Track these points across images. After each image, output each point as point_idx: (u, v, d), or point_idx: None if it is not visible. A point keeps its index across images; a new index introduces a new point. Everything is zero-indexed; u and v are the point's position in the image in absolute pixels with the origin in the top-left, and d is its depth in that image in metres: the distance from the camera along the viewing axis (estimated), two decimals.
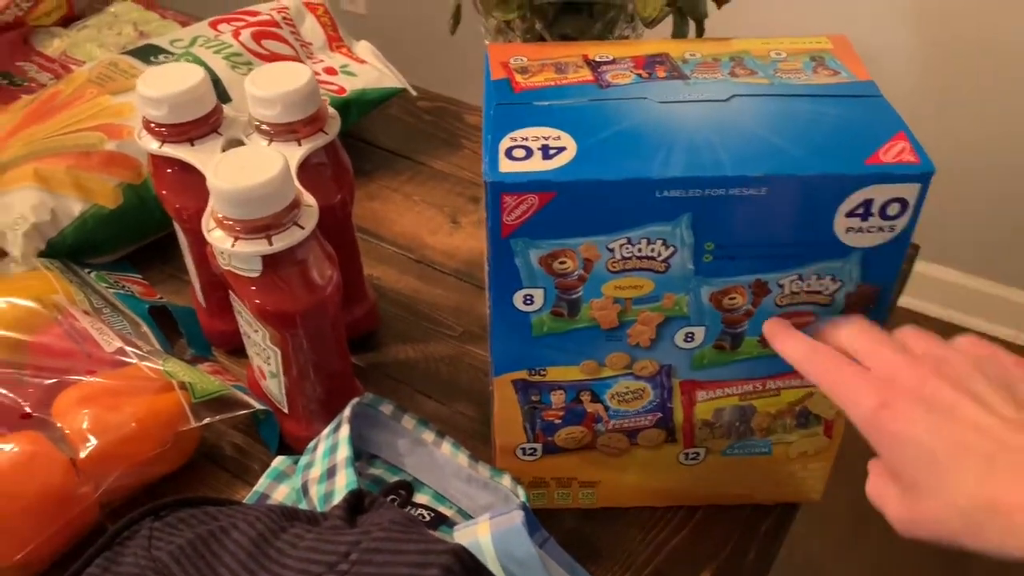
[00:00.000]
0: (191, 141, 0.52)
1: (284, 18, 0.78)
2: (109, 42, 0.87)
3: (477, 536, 0.41)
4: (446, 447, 0.51)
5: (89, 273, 0.64)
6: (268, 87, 0.51)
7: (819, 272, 0.42)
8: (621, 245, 0.41)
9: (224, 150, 0.52)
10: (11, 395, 0.49)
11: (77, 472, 0.47)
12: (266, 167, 0.45)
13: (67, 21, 0.95)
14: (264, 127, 0.52)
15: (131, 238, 0.68)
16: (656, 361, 0.45)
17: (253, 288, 0.47)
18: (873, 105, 0.42)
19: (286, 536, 0.38)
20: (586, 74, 0.43)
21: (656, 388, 0.47)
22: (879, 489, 0.36)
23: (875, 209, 0.39)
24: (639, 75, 0.43)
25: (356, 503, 0.41)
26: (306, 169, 0.52)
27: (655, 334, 0.44)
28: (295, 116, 0.51)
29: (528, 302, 0.43)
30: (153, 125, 0.52)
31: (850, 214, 0.39)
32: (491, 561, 0.40)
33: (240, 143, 0.53)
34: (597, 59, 0.44)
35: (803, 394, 0.47)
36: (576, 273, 0.42)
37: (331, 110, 0.54)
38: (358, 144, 0.80)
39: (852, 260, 0.41)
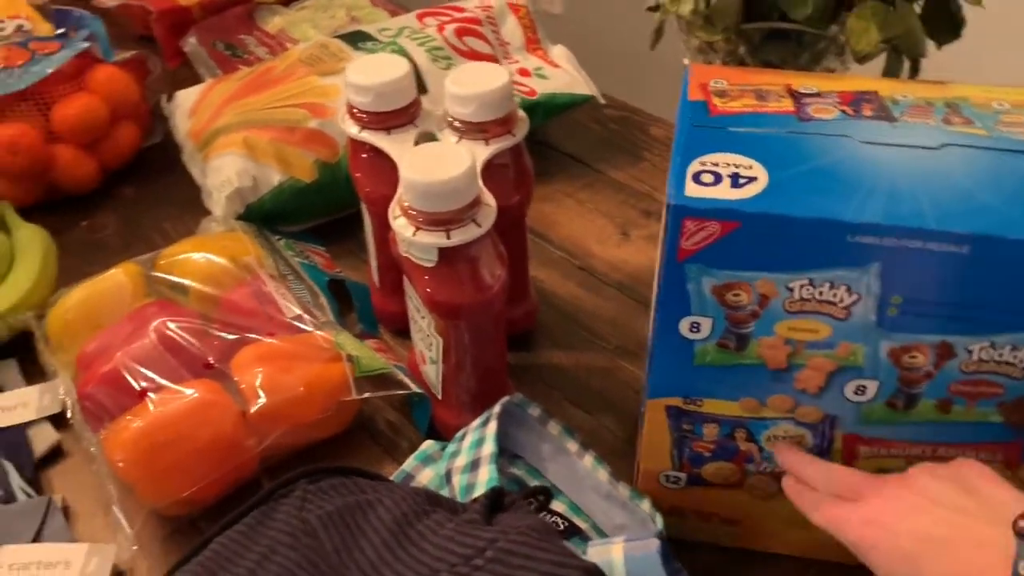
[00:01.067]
0: (388, 130, 0.55)
1: (488, 17, 0.80)
2: (323, 24, 0.92)
3: (611, 555, 0.40)
4: (588, 460, 0.51)
5: (279, 240, 0.68)
6: (466, 86, 0.52)
7: (1015, 343, 0.39)
8: (802, 286, 0.39)
9: (417, 142, 0.54)
10: (198, 344, 0.53)
11: (246, 424, 0.51)
12: (454, 164, 0.46)
13: (288, 0, 1.01)
14: (456, 124, 0.54)
15: (321, 212, 0.72)
16: (821, 409, 0.44)
17: (426, 277, 0.49)
18: None
19: (428, 521, 0.40)
20: (788, 104, 0.42)
21: (816, 437, 0.45)
22: None
23: None
24: (844, 111, 0.42)
25: (496, 501, 0.41)
26: (489, 168, 0.54)
27: (824, 382, 0.43)
28: (487, 116, 0.53)
29: (695, 330, 0.42)
30: (356, 110, 0.55)
31: None
32: None
33: (432, 137, 0.55)
34: (801, 90, 0.43)
35: None
36: (750, 308, 0.41)
37: (521, 113, 0.56)
38: (539, 146, 0.81)
39: None
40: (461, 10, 0.81)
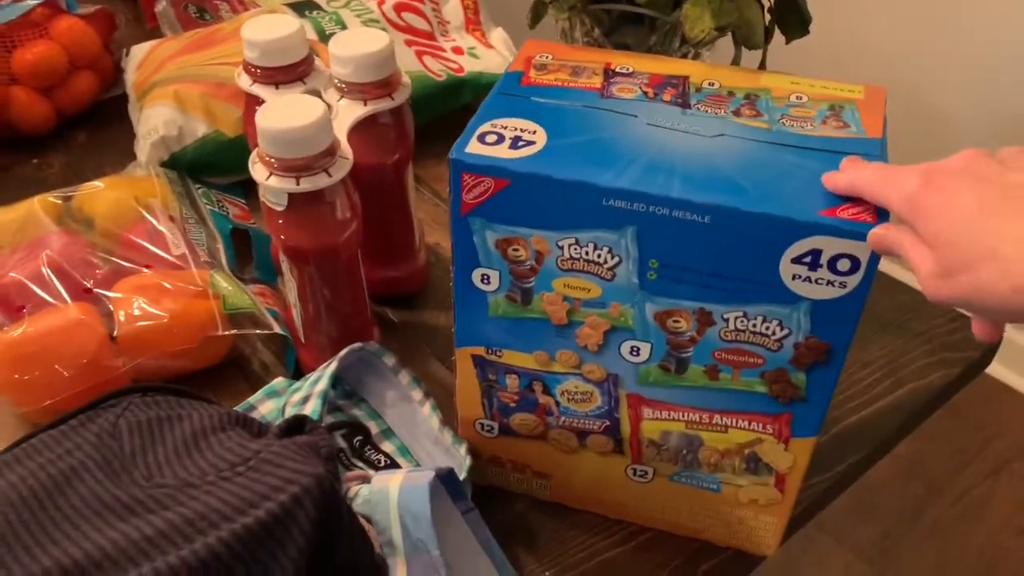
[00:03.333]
0: (276, 85, 0.58)
1: None
2: None
3: (388, 484, 0.43)
4: (427, 407, 0.54)
5: (198, 188, 0.72)
6: (346, 48, 0.56)
7: (765, 315, 0.41)
8: (570, 244, 0.42)
9: None
10: (82, 272, 0.57)
11: (112, 346, 0.55)
12: (307, 114, 0.50)
13: None
14: (338, 83, 0.57)
15: (242, 166, 0.75)
16: (603, 367, 0.46)
17: (279, 221, 0.52)
18: None
19: (221, 435, 0.43)
20: (596, 82, 0.45)
21: (604, 395, 0.48)
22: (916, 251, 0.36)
23: (823, 261, 0.38)
24: (645, 93, 0.44)
25: (296, 426, 0.45)
26: (368, 126, 0.57)
27: (602, 340, 0.45)
28: (365, 78, 0.56)
29: (485, 281, 0.45)
30: (249, 65, 0.58)
31: (797, 261, 0.39)
32: (392, 507, 0.43)
33: (318, 95, 0.58)
34: (616, 69, 0.45)
35: (752, 437, 0.46)
36: (528, 263, 0.43)
37: (405, 79, 0.59)
38: (466, 119, 0.84)
39: (800, 309, 0.40)
40: None
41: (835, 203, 0.38)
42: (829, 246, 0.38)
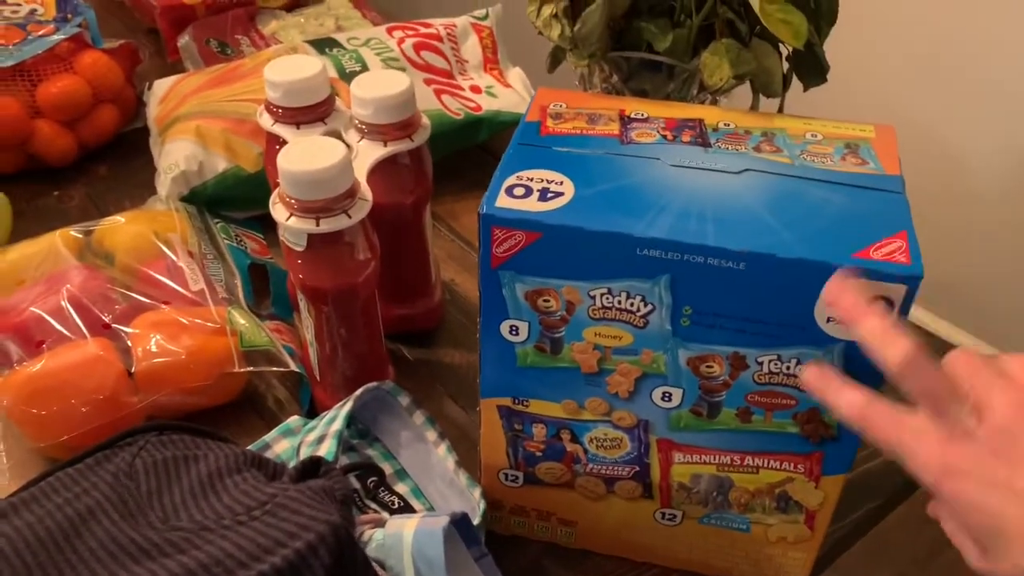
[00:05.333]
0: (298, 125, 0.59)
1: (449, 34, 0.84)
2: (310, 31, 0.98)
3: (403, 529, 0.43)
4: (442, 448, 0.54)
5: (216, 223, 0.73)
6: (368, 90, 0.56)
7: (799, 357, 0.41)
8: (602, 294, 0.42)
9: None
10: (101, 307, 0.58)
11: (129, 382, 0.55)
12: (328, 157, 0.50)
13: (292, 6, 1.07)
14: (359, 124, 0.58)
15: (261, 201, 0.76)
16: (634, 414, 0.46)
17: (298, 261, 0.52)
18: (886, 200, 0.41)
19: (237, 477, 0.43)
20: (614, 128, 0.45)
21: (634, 441, 0.48)
22: (958, 539, 0.38)
23: None
24: (664, 136, 0.44)
25: (311, 468, 0.45)
26: (388, 167, 0.57)
27: (633, 387, 0.45)
28: (385, 120, 0.57)
29: (514, 332, 0.45)
30: (271, 105, 0.59)
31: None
32: (406, 552, 0.42)
33: (338, 135, 0.59)
34: (632, 115, 0.46)
35: (783, 477, 0.46)
36: (559, 313, 0.44)
37: (424, 120, 0.59)
38: (486, 156, 0.85)
39: (834, 352, 0.40)
40: (428, 26, 0.85)
41: (869, 241, 0.38)
42: (863, 289, 0.38)
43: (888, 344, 0.36)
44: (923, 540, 0.58)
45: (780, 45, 0.51)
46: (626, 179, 0.42)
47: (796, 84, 0.54)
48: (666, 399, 0.45)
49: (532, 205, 0.41)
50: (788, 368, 0.42)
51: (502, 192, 0.42)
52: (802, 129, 0.45)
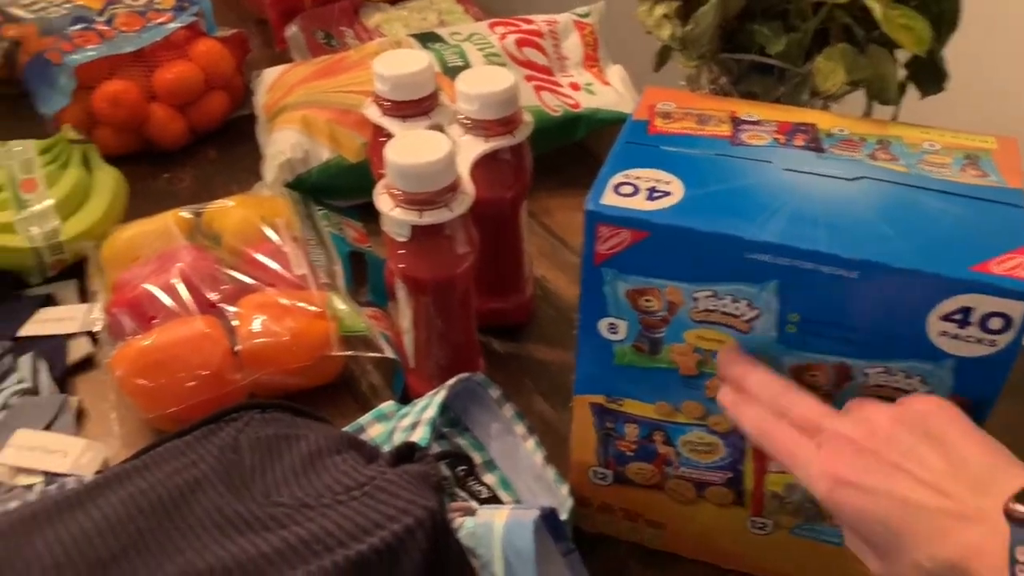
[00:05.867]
0: (404, 118, 0.60)
1: (551, 31, 0.84)
2: (413, 24, 0.99)
3: (494, 518, 0.44)
4: (531, 443, 0.54)
5: (319, 210, 0.75)
6: (473, 87, 0.57)
7: (908, 370, 0.40)
8: (706, 296, 0.42)
9: None
10: (209, 286, 0.60)
11: (234, 360, 0.57)
12: (434, 151, 0.51)
13: (396, 0, 1.09)
14: (462, 119, 0.58)
15: (363, 191, 0.77)
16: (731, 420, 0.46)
17: (401, 252, 0.54)
18: (1008, 214, 0.39)
19: (337, 458, 0.44)
20: (725, 130, 0.45)
21: (729, 447, 0.47)
22: (856, 548, 0.39)
23: (974, 319, 0.37)
24: (776, 139, 0.44)
25: (406, 453, 0.46)
26: (489, 162, 0.58)
27: None
28: (489, 116, 0.57)
29: (612, 331, 0.45)
30: (378, 97, 0.60)
31: (946, 318, 0.37)
32: (496, 542, 0.43)
33: (441, 129, 0.60)
34: (743, 118, 0.45)
35: None
36: (660, 314, 0.43)
37: (526, 117, 0.60)
38: (584, 154, 0.84)
39: (945, 366, 0.39)
40: (530, 22, 0.85)
41: (988, 255, 0.37)
42: (981, 304, 0.36)
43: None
44: None
45: (897, 51, 0.49)
46: (737, 181, 0.42)
47: (911, 92, 0.53)
48: None
49: (640, 204, 0.41)
50: (896, 382, 0.41)
51: (608, 189, 0.42)
52: (919, 138, 0.44)
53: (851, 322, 0.40)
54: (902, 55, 0.50)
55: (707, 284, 0.41)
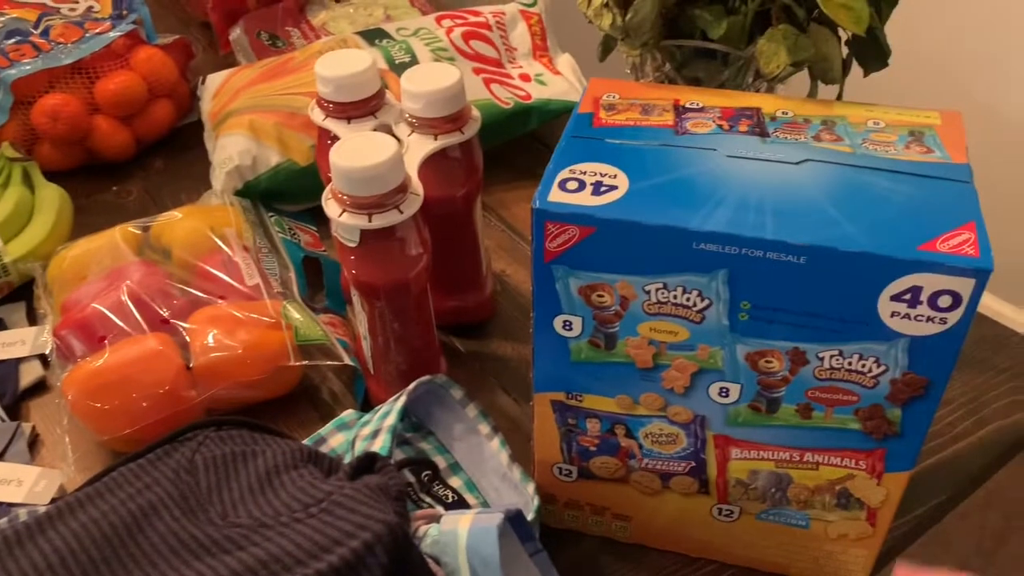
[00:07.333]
0: (349, 119, 0.59)
1: (498, 22, 0.83)
2: (360, 21, 0.98)
3: (458, 525, 0.43)
4: (495, 442, 0.54)
5: (271, 216, 0.73)
6: (418, 84, 0.56)
7: (862, 352, 0.40)
8: (657, 289, 0.41)
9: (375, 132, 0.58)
10: (159, 303, 0.59)
11: (188, 376, 0.56)
12: (379, 153, 0.50)
13: None
14: (409, 118, 0.57)
15: (315, 194, 0.76)
16: (690, 409, 0.45)
17: (351, 257, 0.53)
18: (953, 190, 0.39)
19: (294, 474, 0.44)
20: (668, 119, 0.44)
21: (690, 436, 0.47)
22: None
23: (924, 298, 0.37)
24: (720, 126, 0.43)
25: (366, 463, 0.45)
26: (438, 160, 0.57)
27: (689, 382, 0.44)
28: (436, 113, 0.56)
29: (567, 328, 0.45)
30: (322, 100, 0.59)
31: (896, 299, 0.37)
32: (461, 550, 0.42)
33: (389, 128, 0.59)
34: (686, 105, 0.45)
35: (844, 473, 0.45)
36: (613, 308, 0.43)
37: (475, 112, 0.59)
38: (537, 145, 0.84)
39: (898, 346, 0.39)
40: (477, 14, 0.85)
41: (935, 233, 0.37)
42: (930, 283, 0.36)
43: None
44: (985, 530, 0.56)
45: (839, 29, 0.49)
46: (682, 171, 0.41)
47: (856, 69, 0.53)
48: (723, 395, 0.44)
49: (586, 199, 0.41)
50: (850, 364, 0.41)
51: (555, 186, 0.41)
52: (863, 116, 0.44)
53: (802, 307, 0.40)
54: (845, 33, 0.50)
55: (657, 276, 0.41)
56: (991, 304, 1.58)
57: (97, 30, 0.84)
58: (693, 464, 0.48)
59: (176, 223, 0.66)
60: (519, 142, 0.82)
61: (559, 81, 0.81)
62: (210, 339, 0.57)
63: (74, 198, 0.76)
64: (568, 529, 0.54)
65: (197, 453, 0.46)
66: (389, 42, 0.82)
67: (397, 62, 0.79)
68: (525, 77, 0.81)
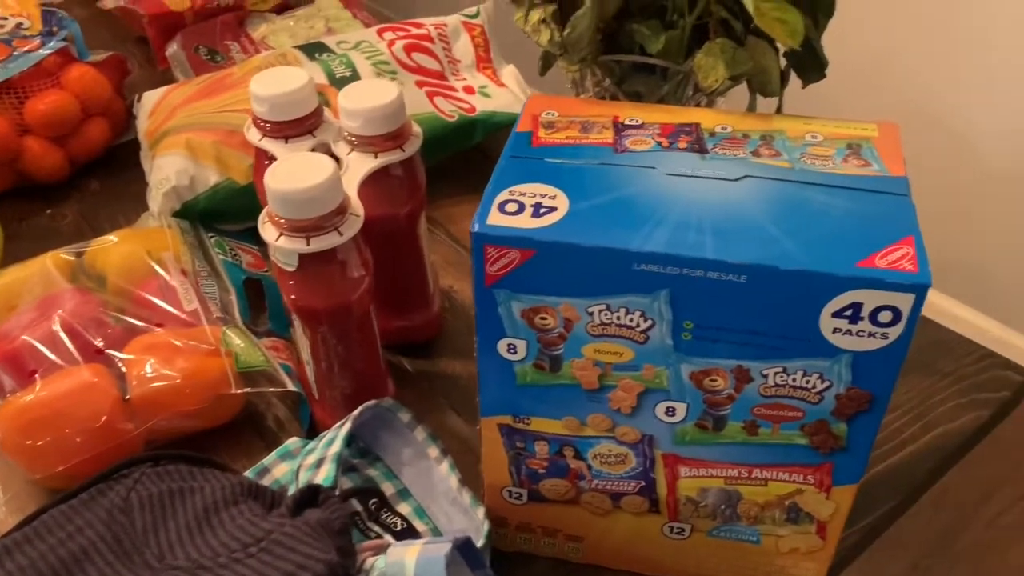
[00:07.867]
0: (286, 139, 0.57)
1: (440, 34, 0.82)
2: (300, 34, 0.96)
3: (405, 557, 0.42)
4: (444, 466, 0.53)
5: (211, 237, 0.71)
6: (355, 101, 0.55)
7: (805, 368, 0.40)
8: (600, 310, 0.41)
9: (313, 151, 0.57)
10: (94, 332, 0.57)
11: (125, 408, 0.54)
12: (316, 175, 0.49)
13: (282, 9, 1.05)
14: (348, 137, 0.56)
15: (255, 214, 0.74)
16: (638, 429, 0.45)
17: (290, 282, 0.51)
18: (891, 204, 0.39)
19: (234, 510, 0.42)
20: (608, 136, 0.44)
21: (639, 456, 0.46)
22: None
23: (864, 313, 0.37)
24: (659, 143, 0.43)
25: (309, 497, 0.44)
26: (379, 179, 0.56)
27: (636, 402, 0.44)
28: (375, 131, 0.55)
29: (512, 351, 0.44)
30: (258, 120, 0.58)
31: (837, 315, 0.37)
32: None
33: (328, 147, 0.58)
34: (626, 122, 0.44)
35: (792, 489, 0.45)
36: (557, 331, 0.42)
37: (416, 129, 0.58)
38: (482, 158, 0.83)
39: (841, 362, 0.39)
40: (419, 26, 0.84)
41: (874, 248, 0.37)
42: (870, 299, 0.36)
43: None
44: (936, 528, 0.57)
45: (777, 42, 0.49)
46: (621, 191, 0.41)
47: (795, 80, 0.53)
48: (670, 414, 0.44)
49: (525, 221, 0.40)
50: (794, 380, 0.41)
51: (494, 208, 0.41)
52: (802, 130, 0.44)
53: (745, 325, 0.39)
54: (783, 46, 0.50)
55: (600, 298, 0.40)
56: (937, 301, 1.61)
57: (26, 48, 0.81)
58: (643, 483, 0.47)
59: (111, 248, 0.64)
60: (465, 155, 0.81)
61: (504, 93, 0.80)
62: (147, 369, 0.55)
63: (5, 223, 0.74)
64: (520, 552, 0.53)
65: (132, 491, 0.44)
66: (330, 56, 0.80)
67: (338, 76, 0.77)
68: (469, 90, 0.80)
